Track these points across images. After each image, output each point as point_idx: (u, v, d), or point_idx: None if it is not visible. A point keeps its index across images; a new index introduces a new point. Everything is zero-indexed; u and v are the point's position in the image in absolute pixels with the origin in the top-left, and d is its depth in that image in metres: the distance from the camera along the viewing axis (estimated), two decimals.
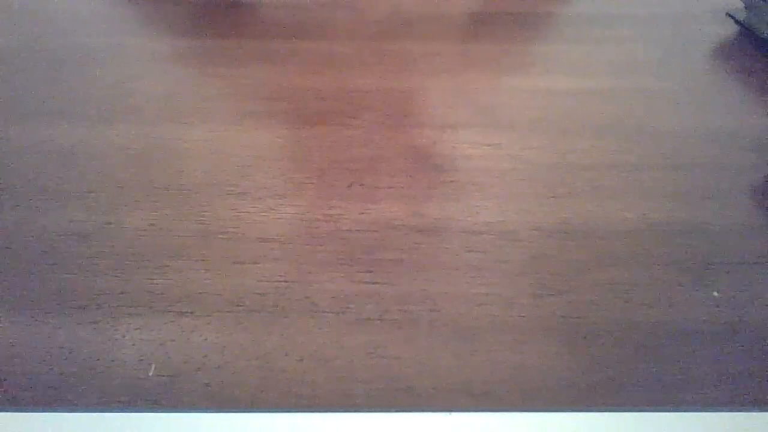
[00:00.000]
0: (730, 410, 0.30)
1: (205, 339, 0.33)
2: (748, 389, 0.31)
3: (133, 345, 0.33)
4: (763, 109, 0.53)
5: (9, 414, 0.30)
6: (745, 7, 0.68)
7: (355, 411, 0.30)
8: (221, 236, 0.40)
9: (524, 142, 0.49)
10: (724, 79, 0.58)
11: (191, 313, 0.35)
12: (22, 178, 0.44)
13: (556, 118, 0.52)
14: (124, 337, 0.33)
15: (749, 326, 0.34)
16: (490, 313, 0.35)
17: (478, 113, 0.52)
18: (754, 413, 0.30)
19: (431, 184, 0.44)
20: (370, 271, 0.37)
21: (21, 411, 0.30)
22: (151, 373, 0.32)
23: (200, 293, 0.36)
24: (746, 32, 0.66)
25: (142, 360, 0.32)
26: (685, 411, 0.30)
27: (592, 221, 0.41)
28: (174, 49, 0.62)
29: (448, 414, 0.30)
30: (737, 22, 0.68)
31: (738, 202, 0.43)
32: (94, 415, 0.30)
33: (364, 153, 0.47)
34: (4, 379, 0.31)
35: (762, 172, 0.46)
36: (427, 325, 0.34)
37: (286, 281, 0.37)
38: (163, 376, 0.32)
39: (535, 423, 0.30)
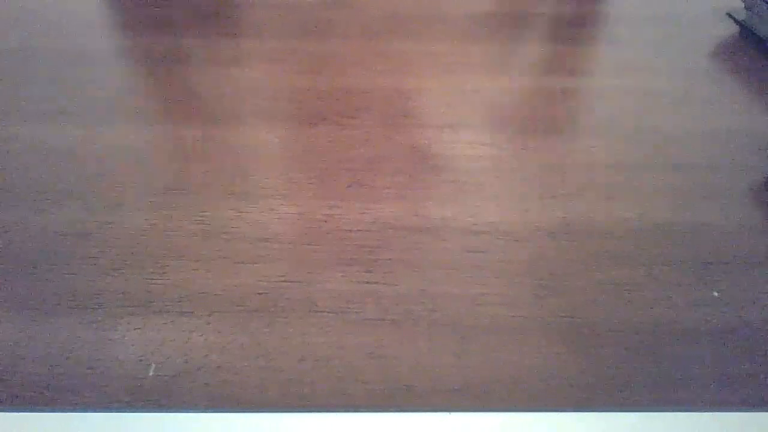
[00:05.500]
0: (730, 410, 0.30)
1: (205, 339, 0.33)
2: (748, 389, 0.31)
3: (133, 345, 0.33)
4: (763, 109, 0.53)
5: (9, 414, 0.30)
6: (745, 7, 0.68)
7: (355, 411, 0.30)
8: (221, 236, 0.40)
9: (524, 142, 0.49)
10: (724, 79, 0.58)
11: (191, 313, 0.35)
12: (22, 178, 0.44)
13: (556, 118, 0.52)
14: (124, 337, 0.33)
15: (749, 326, 0.34)
16: (490, 313, 0.35)
17: (478, 113, 0.52)
18: (754, 413, 0.30)
19: (431, 184, 0.44)
20: (370, 271, 0.37)
21: (21, 411, 0.30)
22: (151, 373, 0.32)
23: (200, 293, 0.36)
24: (746, 32, 0.66)
25: (142, 360, 0.32)
26: (685, 411, 0.30)
27: (592, 221, 0.41)
28: (174, 49, 0.62)
29: (448, 414, 0.30)
30: (737, 22, 0.68)
31: (738, 202, 0.43)
32: (94, 415, 0.30)
33: (364, 153, 0.47)
34: (4, 379, 0.31)
35: (762, 172, 0.46)
36: (426, 325, 0.34)
37: (286, 281, 0.37)
38: (163, 376, 0.32)
39: (535, 423, 0.30)
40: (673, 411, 0.30)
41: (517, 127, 0.50)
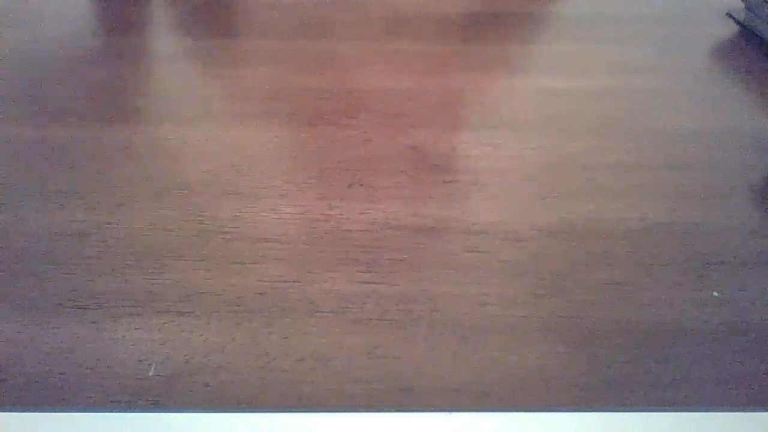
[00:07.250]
0: (730, 410, 0.30)
1: (205, 339, 0.33)
2: (748, 389, 0.31)
3: (133, 345, 0.33)
4: (763, 109, 0.53)
5: (9, 414, 0.30)
6: (745, 7, 0.68)
7: (355, 411, 0.30)
8: (221, 236, 0.40)
9: (524, 142, 0.49)
10: (724, 79, 0.58)
11: (191, 313, 0.35)
12: (22, 178, 0.44)
13: (556, 118, 0.52)
14: (124, 337, 0.33)
15: (749, 326, 0.34)
16: (490, 313, 0.35)
17: (478, 113, 0.52)
18: (754, 413, 0.30)
19: (431, 184, 0.44)
20: (370, 271, 0.37)
21: (21, 411, 0.30)
22: (151, 373, 0.32)
23: (200, 293, 0.36)
24: (746, 32, 0.66)
25: (142, 360, 0.32)
26: (685, 411, 0.30)
27: (592, 221, 0.41)
28: (174, 49, 0.62)
29: (448, 414, 0.30)
30: (737, 22, 0.68)
31: (738, 202, 0.43)
32: (94, 415, 0.30)
33: (364, 153, 0.47)
34: (4, 379, 0.31)
35: (762, 172, 0.46)
36: (427, 325, 0.34)
37: (286, 281, 0.37)
38: (163, 376, 0.32)
39: (535, 423, 0.30)
40: (673, 411, 0.30)
41: (517, 127, 0.51)
